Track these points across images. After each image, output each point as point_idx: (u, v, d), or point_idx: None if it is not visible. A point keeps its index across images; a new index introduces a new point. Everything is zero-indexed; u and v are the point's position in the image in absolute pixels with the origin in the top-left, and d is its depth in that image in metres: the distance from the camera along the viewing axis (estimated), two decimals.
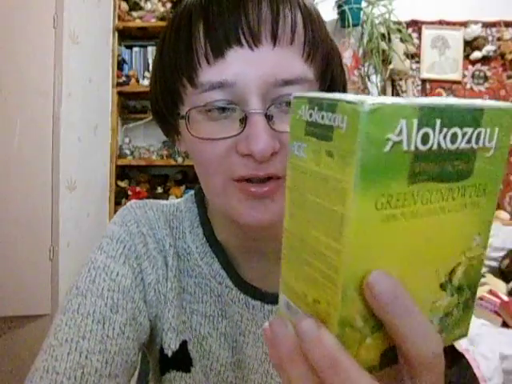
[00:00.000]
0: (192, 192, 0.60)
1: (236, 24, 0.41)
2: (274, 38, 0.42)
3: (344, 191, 0.20)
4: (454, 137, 0.21)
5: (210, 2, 0.43)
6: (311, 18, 0.45)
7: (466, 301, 0.26)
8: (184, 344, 0.53)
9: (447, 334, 0.26)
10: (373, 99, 0.20)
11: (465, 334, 0.27)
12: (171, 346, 0.53)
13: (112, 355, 0.44)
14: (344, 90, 0.52)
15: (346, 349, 0.22)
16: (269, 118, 0.42)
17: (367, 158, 0.20)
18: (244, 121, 0.42)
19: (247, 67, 0.41)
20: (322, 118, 0.21)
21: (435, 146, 0.21)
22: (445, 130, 0.21)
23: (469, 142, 0.22)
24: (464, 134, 0.22)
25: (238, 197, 0.44)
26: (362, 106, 0.19)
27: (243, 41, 0.41)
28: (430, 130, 0.21)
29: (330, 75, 0.48)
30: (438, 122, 0.21)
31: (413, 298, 0.22)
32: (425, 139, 0.21)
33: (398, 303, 0.22)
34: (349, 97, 0.20)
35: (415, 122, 0.20)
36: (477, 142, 0.22)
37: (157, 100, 0.50)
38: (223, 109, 0.43)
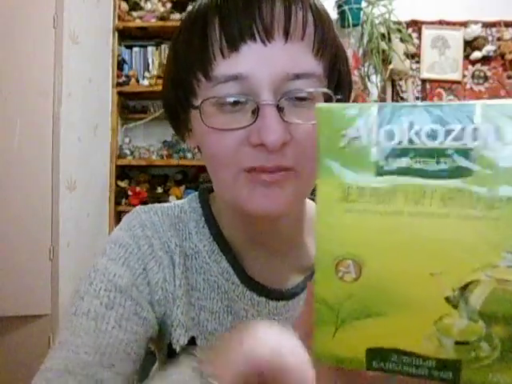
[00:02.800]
0: (195, 193, 0.61)
1: (250, 20, 0.43)
2: (286, 34, 0.44)
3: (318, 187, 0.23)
4: (433, 133, 0.21)
5: (224, 0, 0.45)
6: (321, 18, 0.47)
7: (509, 339, 0.22)
8: (192, 340, 0.54)
9: (476, 374, 0.22)
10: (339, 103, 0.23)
11: None
12: (180, 341, 0.53)
13: (104, 346, 0.46)
14: (350, 88, 0.54)
15: (322, 325, 0.24)
16: (280, 109, 0.44)
17: (325, 152, 0.23)
18: (256, 112, 0.44)
19: (260, 61, 0.44)
20: None
21: (405, 142, 0.22)
22: (417, 126, 0.22)
23: (458, 139, 0.21)
24: (448, 131, 0.21)
25: (248, 186, 0.46)
26: (321, 105, 0.23)
27: (257, 36, 0.43)
28: (395, 127, 0.22)
29: (338, 73, 0.51)
30: (406, 119, 0.22)
31: (406, 295, 0.22)
32: (389, 135, 0.22)
33: None
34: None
35: (375, 119, 0.22)
36: (470, 140, 0.21)
37: (169, 95, 0.52)
38: (236, 101, 0.45)
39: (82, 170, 2.24)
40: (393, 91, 2.62)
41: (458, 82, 2.66)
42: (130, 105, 2.78)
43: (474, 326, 0.22)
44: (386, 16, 2.49)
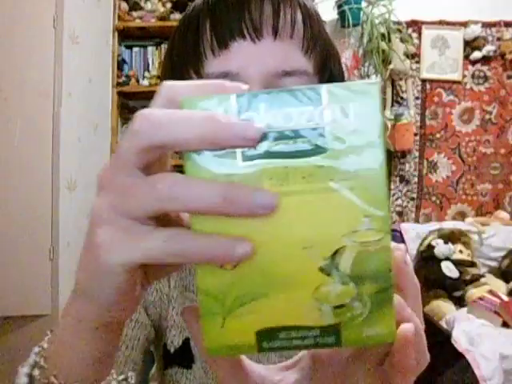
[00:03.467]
0: None
1: (240, 19, 0.44)
2: (275, 32, 0.45)
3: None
4: (288, 116, 0.23)
5: (216, 1, 0.46)
6: (310, 16, 0.48)
7: (376, 295, 0.24)
8: (187, 341, 0.54)
9: (353, 332, 0.24)
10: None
11: (386, 337, 0.24)
12: (174, 342, 0.54)
13: None
14: None
15: (209, 317, 0.23)
16: None
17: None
18: None
19: (250, 58, 0.44)
20: None
21: (264, 127, 0.23)
22: (273, 111, 0.23)
23: (311, 120, 0.23)
24: (301, 113, 0.23)
25: None
26: (184, 98, 0.23)
27: (246, 34, 0.44)
28: (253, 113, 0.23)
29: (329, 71, 0.51)
30: (262, 105, 0.23)
31: (284, 274, 0.23)
32: (249, 121, 0.23)
33: None
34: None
35: (234, 107, 0.23)
36: (321, 119, 0.23)
37: None
38: None
39: (82, 170, 2.24)
40: (393, 91, 2.62)
41: (458, 82, 2.66)
42: (130, 105, 2.78)
43: (347, 289, 0.24)
44: (386, 16, 2.49)
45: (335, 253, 0.23)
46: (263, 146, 0.23)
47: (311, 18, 0.48)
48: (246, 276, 0.23)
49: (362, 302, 0.24)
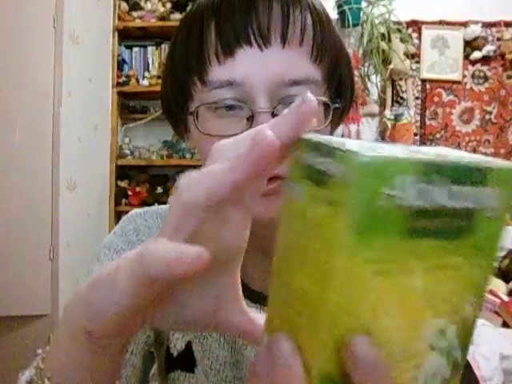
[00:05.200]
0: None
1: (246, 25, 0.42)
2: (284, 39, 0.43)
3: (334, 242, 0.20)
4: (454, 194, 0.21)
5: (221, 2, 0.44)
6: (321, 21, 0.46)
7: (455, 361, 0.24)
8: (189, 344, 0.54)
9: None
10: (371, 149, 0.19)
11: None
12: (177, 346, 0.54)
13: None
14: (352, 92, 0.53)
15: None
16: (276, 117, 0.43)
17: (358, 211, 0.19)
18: (251, 119, 0.43)
19: (256, 67, 0.42)
20: (321, 163, 0.21)
21: (432, 203, 0.20)
22: (444, 187, 0.20)
23: (468, 199, 0.21)
24: (464, 192, 0.21)
25: None
26: (357, 156, 0.19)
27: (253, 41, 0.42)
28: (427, 187, 0.20)
29: (338, 77, 0.49)
30: (438, 178, 0.20)
31: (400, 354, 0.22)
32: (421, 195, 0.20)
33: (376, 374, 0.20)
34: (348, 144, 0.20)
35: (413, 177, 0.20)
36: (477, 201, 0.21)
37: (167, 97, 0.51)
38: (231, 106, 0.44)
39: (82, 169, 2.24)
40: (393, 91, 2.62)
41: (458, 82, 2.66)
42: (129, 105, 2.78)
43: (441, 360, 0.24)
44: (386, 16, 2.49)
45: (445, 329, 0.23)
46: (426, 223, 0.21)
47: (321, 23, 0.46)
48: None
49: (447, 369, 0.24)
